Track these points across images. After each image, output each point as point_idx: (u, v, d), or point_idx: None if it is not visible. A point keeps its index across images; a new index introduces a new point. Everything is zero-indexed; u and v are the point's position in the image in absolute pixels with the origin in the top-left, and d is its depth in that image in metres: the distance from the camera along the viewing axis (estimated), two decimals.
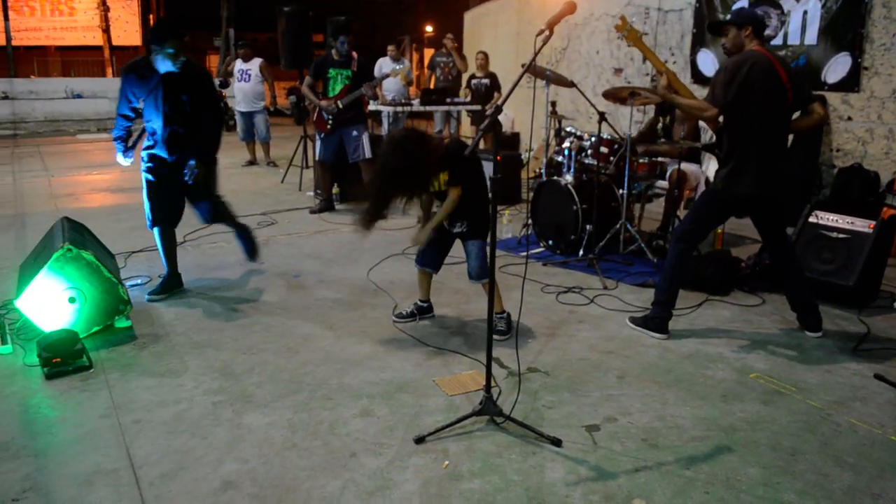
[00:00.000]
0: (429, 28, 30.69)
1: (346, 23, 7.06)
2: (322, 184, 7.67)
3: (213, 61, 29.89)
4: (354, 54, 7.16)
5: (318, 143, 7.45)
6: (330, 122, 7.11)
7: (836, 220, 4.88)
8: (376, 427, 3.11)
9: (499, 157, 7.71)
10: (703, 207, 4.21)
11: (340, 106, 7.02)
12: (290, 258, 5.74)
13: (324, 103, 7.05)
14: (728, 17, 4.07)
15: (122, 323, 4.17)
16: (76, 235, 4.31)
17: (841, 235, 4.81)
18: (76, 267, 3.96)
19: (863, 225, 4.76)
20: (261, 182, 9.48)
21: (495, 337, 4.00)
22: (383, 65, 10.51)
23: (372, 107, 9.69)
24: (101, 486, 2.68)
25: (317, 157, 7.63)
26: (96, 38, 26.23)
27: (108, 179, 9.59)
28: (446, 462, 2.84)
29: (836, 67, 7.04)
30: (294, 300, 4.74)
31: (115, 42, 26.57)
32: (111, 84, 20.72)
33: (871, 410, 3.34)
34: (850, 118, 7.02)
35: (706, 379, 3.65)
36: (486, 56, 10.11)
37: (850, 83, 6.95)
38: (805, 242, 4.90)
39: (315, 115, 7.30)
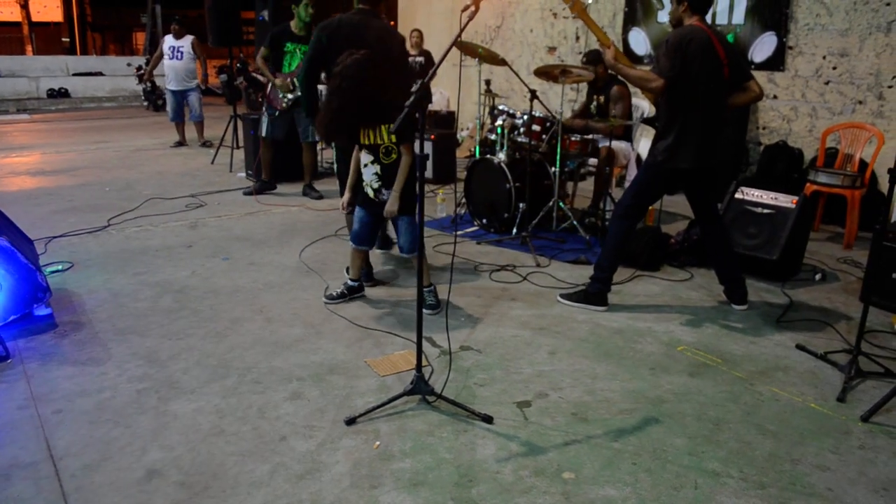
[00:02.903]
0: None
1: None
2: (264, 163, 7.31)
3: (140, 39, 29.00)
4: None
5: (264, 120, 7.08)
6: (286, 100, 6.84)
7: (761, 196, 5.01)
8: (307, 410, 3.07)
9: (433, 137, 7.70)
10: (644, 181, 4.24)
11: (297, 83, 6.72)
12: (220, 240, 5.61)
13: (279, 81, 6.78)
14: None
15: (41, 311, 4.01)
16: None
17: (766, 211, 4.94)
18: None
19: (786, 201, 4.90)
20: (190, 163, 9.23)
21: (425, 311, 4.00)
22: None
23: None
24: (19, 479, 2.58)
25: (263, 135, 7.16)
26: (14, 14, 25.16)
27: (28, 162, 9.21)
28: (377, 443, 2.82)
29: (763, 47, 7.20)
30: (223, 283, 4.64)
31: (34, 18, 25.51)
32: (31, 62, 19.92)
33: (793, 379, 3.45)
34: (775, 97, 7.20)
35: (635, 353, 3.71)
36: (420, 34, 10.01)
37: (776, 62, 7.13)
38: (731, 218, 5.01)
39: (269, 90, 7.00)
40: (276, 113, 6.98)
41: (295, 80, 6.69)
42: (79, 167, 8.84)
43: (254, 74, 9.67)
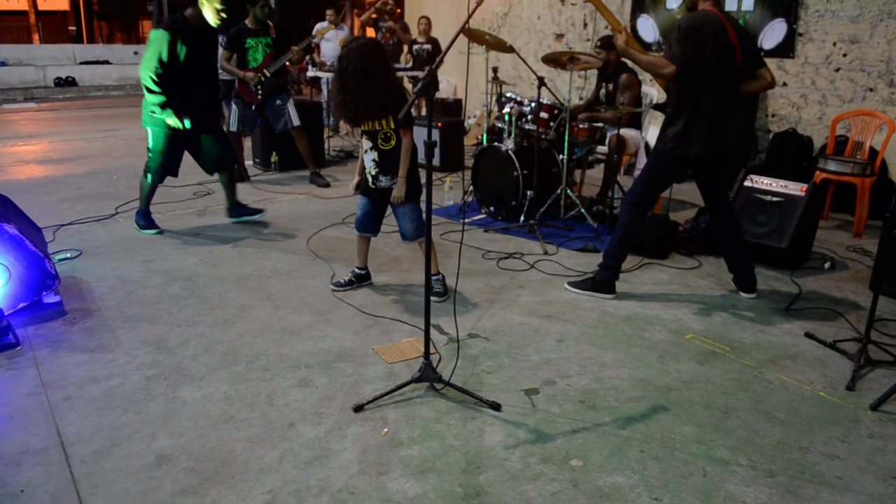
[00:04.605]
0: None
1: None
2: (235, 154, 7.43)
3: (146, 27, 28.97)
4: (269, 22, 6.95)
5: (233, 114, 7.16)
6: (260, 92, 6.89)
7: (771, 184, 4.98)
8: (315, 397, 3.08)
9: (440, 125, 7.69)
10: (654, 169, 4.20)
11: (268, 74, 6.81)
12: (227, 228, 5.62)
13: (250, 74, 6.80)
14: None
15: (50, 298, 4.02)
16: None
17: (775, 199, 4.91)
18: None
19: (796, 189, 4.87)
20: None
21: (433, 299, 3.99)
22: (320, 25, 10.28)
23: (311, 73, 9.53)
24: (30, 465, 2.59)
25: (231, 128, 7.21)
26: (21, 3, 25.14)
27: (36, 151, 9.23)
28: (385, 429, 2.82)
29: (772, 34, 7.15)
30: (231, 271, 4.64)
31: (41, 7, 25.48)
32: (38, 51, 19.94)
33: (801, 367, 3.44)
34: (785, 84, 7.15)
35: (643, 341, 3.70)
36: (428, 21, 9.99)
37: (786, 49, 7.08)
38: (740, 205, 4.98)
39: (240, 87, 7.03)
40: (253, 107, 7.03)
41: (266, 70, 6.83)
42: (86, 155, 8.85)
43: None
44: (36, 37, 24.86)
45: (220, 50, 6.82)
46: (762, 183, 5.01)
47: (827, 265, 4.93)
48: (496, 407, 2.98)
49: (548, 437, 2.79)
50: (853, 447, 2.77)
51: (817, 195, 4.97)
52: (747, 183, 5.07)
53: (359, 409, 2.95)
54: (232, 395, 3.08)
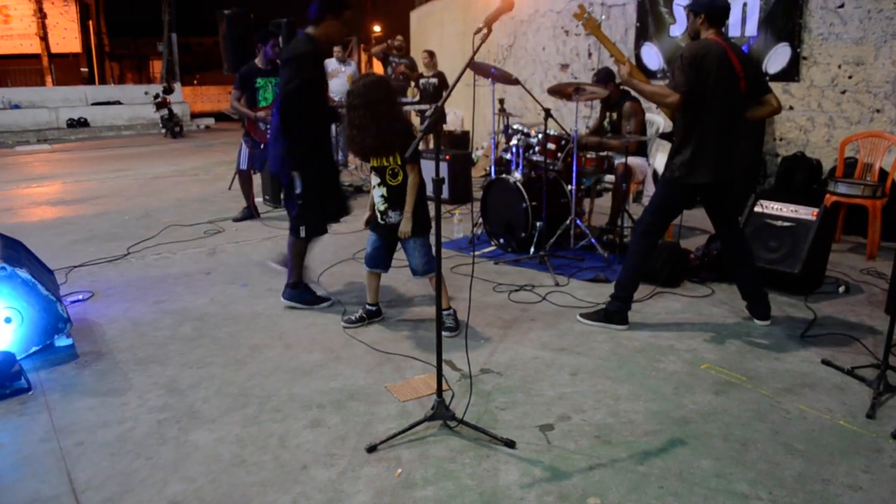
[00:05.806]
0: (376, 28, 30.56)
1: (271, 27, 6.87)
2: (245, 192, 7.43)
3: (157, 67, 29.39)
4: (279, 62, 7.03)
5: (243, 152, 7.18)
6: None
7: (781, 209, 4.95)
8: (327, 437, 3.05)
9: (448, 158, 7.70)
10: (663, 198, 4.19)
11: None
12: (238, 266, 5.63)
13: (261, 114, 6.84)
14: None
15: (62, 342, 4.03)
16: (11, 253, 4.16)
17: (786, 224, 4.88)
18: (11, 286, 3.81)
19: (806, 213, 4.84)
20: (207, 190, 9.30)
21: (444, 334, 3.97)
22: (329, 66, 10.39)
23: None
24: None
25: (241, 166, 7.24)
26: (34, 46, 25.55)
27: (48, 192, 9.32)
28: (399, 470, 2.79)
29: (777, 58, 7.17)
30: (242, 310, 4.64)
31: (53, 50, 25.91)
32: (50, 93, 20.24)
33: (820, 396, 3.39)
34: (791, 107, 7.15)
35: (658, 372, 3.66)
36: (430, 55, 10.07)
37: (791, 73, 7.09)
38: (751, 232, 4.95)
39: (249, 125, 7.08)
40: (262, 146, 7.03)
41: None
42: (98, 196, 8.93)
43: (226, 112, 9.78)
44: (49, 79, 25.22)
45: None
46: (772, 208, 4.98)
47: (841, 289, 4.89)
48: (511, 444, 2.94)
49: (564, 475, 2.75)
50: (876, 477, 2.72)
51: (828, 218, 4.94)
52: (757, 208, 5.05)
53: (372, 449, 2.92)
54: (244, 438, 3.06)
